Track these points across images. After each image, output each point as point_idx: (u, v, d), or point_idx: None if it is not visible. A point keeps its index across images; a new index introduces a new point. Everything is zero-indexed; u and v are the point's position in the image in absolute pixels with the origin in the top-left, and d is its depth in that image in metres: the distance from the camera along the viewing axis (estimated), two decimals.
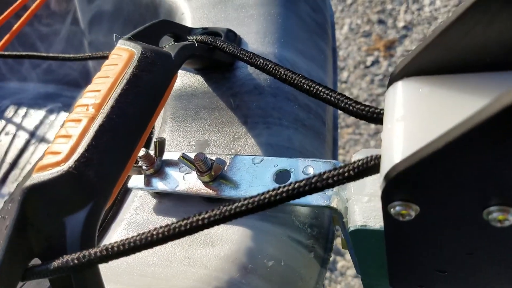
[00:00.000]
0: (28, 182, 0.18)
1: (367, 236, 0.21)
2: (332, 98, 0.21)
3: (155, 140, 0.29)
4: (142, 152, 0.28)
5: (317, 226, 0.29)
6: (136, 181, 0.29)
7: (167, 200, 0.29)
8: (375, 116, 0.19)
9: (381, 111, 0.19)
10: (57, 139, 0.20)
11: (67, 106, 0.63)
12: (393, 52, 1.27)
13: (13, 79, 0.69)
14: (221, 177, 0.27)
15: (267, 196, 0.17)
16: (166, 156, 0.30)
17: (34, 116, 0.63)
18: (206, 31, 0.32)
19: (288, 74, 0.23)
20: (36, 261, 0.19)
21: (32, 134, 0.62)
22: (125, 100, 0.21)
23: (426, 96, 0.15)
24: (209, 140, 0.32)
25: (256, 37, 0.34)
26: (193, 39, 0.29)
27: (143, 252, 0.26)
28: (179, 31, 0.30)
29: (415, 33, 1.28)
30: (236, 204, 0.17)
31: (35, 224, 0.18)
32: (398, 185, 0.13)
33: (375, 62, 1.26)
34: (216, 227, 0.26)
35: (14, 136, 0.62)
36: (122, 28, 0.51)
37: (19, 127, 0.63)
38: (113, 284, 0.22)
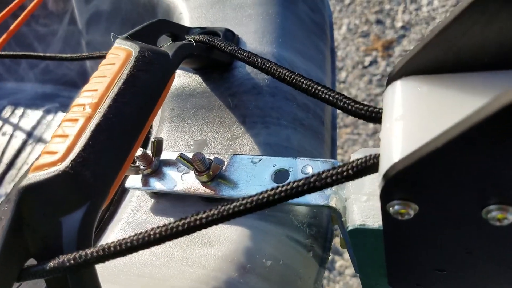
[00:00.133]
0: (24, 182, 0.18)
1: (365, 235, 0.21)
2: (331, 98, 0.21)
3: (153, 139, 0.28)
4: (139, 152, 0.28)
5: (316, 225, 0.29)
6: (133, 181, 0.29)
7: (165, 200, 0.29)
8: (374, 116, 0.19)
9: (380, 110, 0.19)
10: (54, 138, 0.20)
11: (65, 106, 0.63)
12: (391, 52, 1.27)
13: (11, 79, 0.69)
14: (220, 176, 0.27)
15: (266, 195, 0.17)
16: (164, 156, 0.29)
17: (31, 116, 0.63)
18: (204, 31, 0.32)
19: (286, 74, 0.23)
20: (32, 261, 0.18)
21: (29, 135, 0.61)
22: (122, 100, 0.21)
23: (425, 95, 0.15)
24: (207, 139, 0.32)
25: (255, 36, 0.34)
26: (191, 38, 0.29)
27: (141, 252, 0.26)
28: (177, 31, 0.30)
29: (413, 33, 1.29)
30: (235, 204, 0.17)
31: (31, 224, 0.18)
32: (397, 184, 0.13)
33: (373, 62, 1.27)
34: (214, 227, 0.26)
35: (11, 136, 0.62)
36: (119, 28, 0.51)
37: (16, 127, 0.62)
38: (110, 285, 0.21)
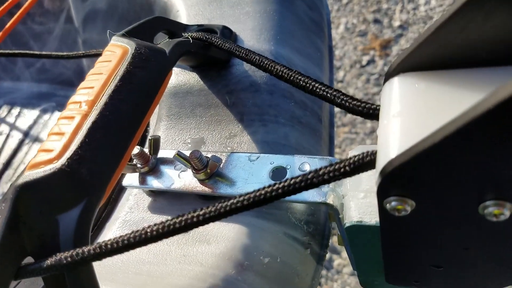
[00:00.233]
0: (21, 180, 0.18)
1: (363, 232, 0.21)
2: (328, 95, 0.20)
3: (150, 138, 0.28)
4: (136, 150, 0.27)
5: (313, 222, 0.29)
6: (130, 179, 0.29)
7: (162, 198, 0.29)
8: (371, 112, 0.19)
9: (377, 107, 0.19)
10: (50, 136, 0.20)
11: (61, 106, 0.63)
12: (388, 52, 1.27)
13: (7, 79, 0.68)
14: (217, 174, 0.27)
15: (263, 192, 0.17)
16: (161, 154, 0.29)
17: (28, 116, 0.63)
18: (201, 28, 0.32)
19: (284, 71, 0.23)
20: (29, 259, 0.18)
21: (26, 134, 0.61)
22: (118, 97, 0.21)
23: (423, 91, 0.15)
24: (205, 137, 0.31)
25: (252, 34, 0.34)
26: (188, 35, 0.29)
27: (138, 250, 0.26)
28: (174, 28, 0.30)
29: (410, 32, 1.29)
30: (232, 201, 0.17)
31: (27, 222, 0.18)
32: (394, 180, 0.13)
33: (371, 61, 1.27)
34: (211, 225, 0.26)
35: (8, 136, 0.61)
36: (116, 26, 0.51)
37: (13, 127, 0.62)
38: (108, 283, 0.21)
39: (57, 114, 0.62)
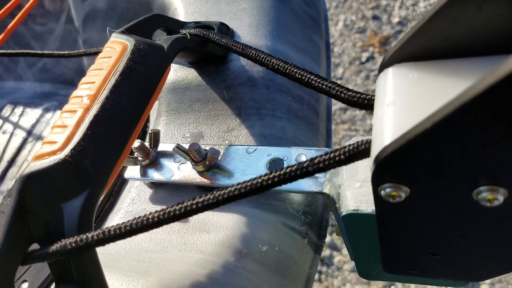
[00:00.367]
0: (26, 171, 0.19)
1: (359, 220, 0.21)
2: (324, 86, 0.21)
3: (150, 131, 0.29)
4: (137, 143, 0.28)
5: (311, 213, 0.30)
6: (132, 171, 0.29)
7: (163, 190, 0.30)
8: (366, 103, 0.19)
9: (372, 98, 0.19)
10: (54, 129, 0.20)
11: (63, 105, 0.64)
12: (388, 48, 1.27)
13: (9, 79, 0.69)
14: (216, 166, 0.28)
15: (260, 180, 0.17)
16: (161, 147, 0.30)
17: (31, 115, 0.64)
18: (198, 25, 0.32)
19: (280, 64, 0.23)
20: (35, 246, 0.19)
21: (29, 133, 0.62)
22: (119, 91, 0.21)
23: (416, 81, 0.15)
24: (204, 132, 0.32)
25: (249, 30, 0.34)
26: (186, 32, 0.30)
27: (140, 239, 0.26)
28: (172, 25, 0.30)
29: (410, 28, 1.29)
30: (230, 189, 0.17)
31: (33, 210, 0.18)
32: (388, 167, 0.13)
33: (370, 58, 1.27)
34: (211, 215, 0.27)
35: (12, 134, 0.62)
36: (116, 26, 0.51)
37: (16, 125, 0.63)
38: (111, 269, 0.22)
39: (59, 113, 0.63)
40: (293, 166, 0.17)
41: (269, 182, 0.17)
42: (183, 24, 0.32)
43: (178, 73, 0.34)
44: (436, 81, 0.15)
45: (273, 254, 0.26)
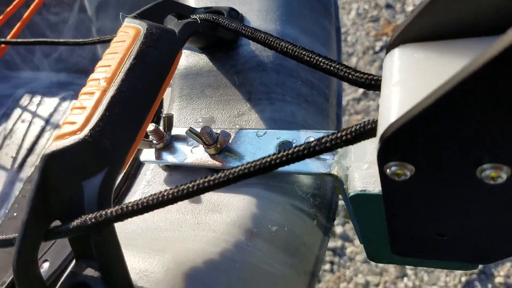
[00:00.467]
0: (48, 150, 0.20)
1: (367, 201, 0.22)
2: (332, 68, 0.21)
3: (164, 115, 0.30)
4: (152, 127, 0.29)
5: (320, 196, 0.30)
6: (147, 155, 0.30)
7: (177, 172, 0.31)
8: (373, 83, 0.19)
9: (379, 78, 0.19)
10: (73, 110, 0.21)
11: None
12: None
13: (26, 69, 0.71)
14: (227, 149, 0.28)
15: (268, 160, 0.18)
16: (175, 131, 0.31)
17: (48, 104, 0.66)
18: (209, 10, 0.32)
19: (289, 47, 0.23)
20: (57, 223, 0.20)
21: (47, 121, 0.64)
22: (133, 74, 0.22)
23: (422, 61, 0.15)
24: (215, 117, 0.33)
25: (258, 15, 0.34)
26: (196, 17, 0.30)
27: (156, 218, 0.27)
28: (183, 11, 0.31)
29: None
30: (240, 168, 0.18)
31: (54, 188, 0.19)
32: (393, 145, 0.13)
33: (384, 47, 1.24)
34: (222, 196, 0.28)
35: (30, 123, 0.64)
36: (128, 13, 0.52)
37: (34, 114, 0.65)
38: (128, 247, 0.23)
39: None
40: (301, 145, 0.17)
41: (277, 161, 0.18)
42: (193, 10, 0.32)
43: (190, 59, 0.35)
44: (441, 60, 0.15)
45: (282, 235, 0.26)
